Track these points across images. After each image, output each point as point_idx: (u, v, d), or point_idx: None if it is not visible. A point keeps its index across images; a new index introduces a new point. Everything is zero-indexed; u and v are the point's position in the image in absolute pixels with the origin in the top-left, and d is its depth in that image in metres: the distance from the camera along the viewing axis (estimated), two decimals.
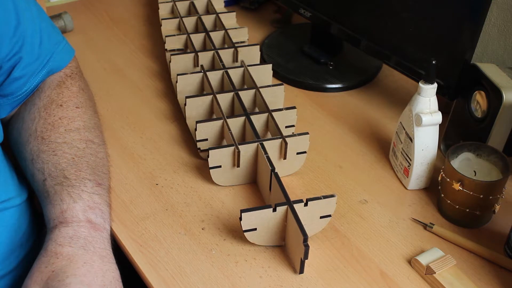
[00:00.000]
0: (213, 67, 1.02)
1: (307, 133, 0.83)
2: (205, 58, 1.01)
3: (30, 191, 0.80)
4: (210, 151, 0.80)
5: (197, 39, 1.06)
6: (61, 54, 0.81)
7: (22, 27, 0.74)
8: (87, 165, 0.73)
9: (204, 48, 1.07)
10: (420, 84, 0.79)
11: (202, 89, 0.97)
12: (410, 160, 0.83)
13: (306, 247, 0.68)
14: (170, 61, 1.01)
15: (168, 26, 1.13)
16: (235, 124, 0.86)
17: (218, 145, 0.84)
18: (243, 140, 0.87)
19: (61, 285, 0.59)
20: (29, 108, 0.77)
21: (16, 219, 0.75)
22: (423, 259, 0.72)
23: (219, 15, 1.12)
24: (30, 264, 0.68)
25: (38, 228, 0.81)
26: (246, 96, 0.92)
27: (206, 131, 0.86)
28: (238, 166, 0.82)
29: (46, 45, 0.78)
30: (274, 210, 0.72)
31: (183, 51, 1.07)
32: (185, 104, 0.90)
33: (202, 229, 0.78)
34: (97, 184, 0.72)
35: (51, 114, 0.76)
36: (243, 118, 0.87)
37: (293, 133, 0.88)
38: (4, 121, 0.80)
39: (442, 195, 0.79)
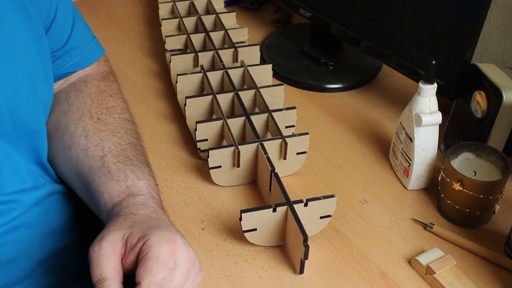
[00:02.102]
0: (213, 67, 1.02)
1: (307, 133, 0.83)
2: (205, 58, 1.01)
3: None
4: (210, 151, 0.80)
5: (197, 39, 1.06)
6: (90, 50, 0.83)
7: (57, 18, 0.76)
8: (142, 153, 0.76)
9: (204, 48, 1.07)
10: (420, 84, 0.79)
11: (202, 89, 0.97)
12: (410, 160, 0.83)
13: (306, 247, 0.68)
14: (170, 61, 1.01)
15: (168, 26, 1.13)
16: (235, 124, 0.86)
17: (218, 145, 0.84)
18: (243, 140, 0.87)
19: (151, 227, 0.59)
20: (75, 94, 0.80)
21: (56, 205, 0.76)
22: (423, 259, 0.72)
23: (219, 15, 1.12)
24: (70, 255, 0.74)
25: (79, 222, 0.83)
26: (246, 96, 0.92)
27: (206, 131, 0.86)
28: (238, 166, 0.82)
29: (76, 37, 0.80)
30: (274, 210, 0.72)
31: (183, 51, 1.07)
32: (185, 104, 0.90)
33: (202, 229, 0.78)
34: (151, 170, 0.75)
35: (104, 101, 0.80)
36: (243, 118, 0.87)
37: (293, 133, 0.88)
38: None
39: (442, 195, 0.79)
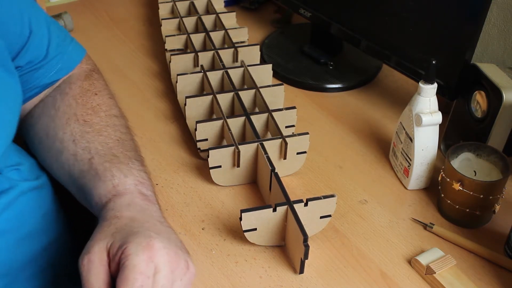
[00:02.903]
0: (213, 67, 1.02)
1: (307, 133, 0.83)
2: (205, 58, 1.01)
3: (50, 178, 0.80)
4: (210, 151, 0.80)
5: (197, 39, 1.06)
6: (70, 55, 0.82)
7: (33, 36, 0.75)
8: (131, 147, 0.76)
9: (204, 48, 1.07)
10: (420, 84, 0.79)
11: (202, 89, 0.97)
12: (410, 160, 0.83)
13: (306, 247, 0.68)
14: (170, 61, 1.01)
15: (168, 26, 1.13)
16: (235, 124, 0.86)
17: (218, 145, 0.84)
18: (243, 140, 0.87)
19: (131, 233, 0.59)
20: (61, 97, 0.79)
21: (31, 204, 0.75)
22: (423, 259, 0.72)
23: (219, 15, 1.12)
24: (55, 253, 0.73)
25: (60, 217, 0.82)
26: (246, 96, 0.92)
27: (206, 131, 0.86)
28: (238, 166, 0.82)
29: (54, 47, 0.79)
30: (274, 210, 0.72)
31: (183, 51, 1.07)
32: (185, 104, 0.90)
33: (202, 229, 0.78)
34: (142, 164, 0.74)
35: (89, 101, 0.79)
36: (243, 118, 0.87)
37: (293, 133, 0.88)
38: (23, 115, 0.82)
39: (442, 195, 0.79)
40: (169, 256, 0.58)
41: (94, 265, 0.57)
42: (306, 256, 0.69)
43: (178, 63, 1.01)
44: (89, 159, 0.72)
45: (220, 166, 0.82)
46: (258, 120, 0.87)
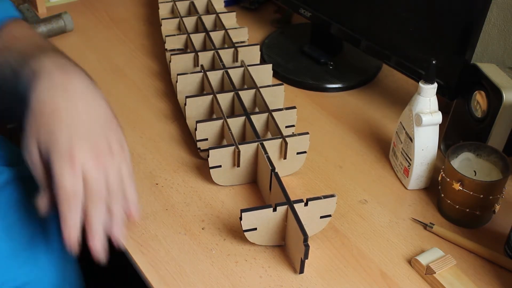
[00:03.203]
0: (213, 67, 1.02)
1: (307, 133, 0.83)
2: (205, 58, 1.01)
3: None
4: (210, 150, 0.80)
5: (197, 39, 1.06)
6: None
7: None
8: (52, 49, 0.74)
9: (204, 48, 1.07)
10: (420, 84, 0.79)
11: (202, 89, 0.97)
12: (410, 160, 0.83)
13: (306, 247, 0.68)
14: (170, 61, 1.01)
15: (168, 26, 1.13)
16: (235, 124, 0.86)
17: (218, 145, 0.84)
18: (243, 140, 0.87)
19: (53, 141, 0.62)
20: None
21: (16, 191, 0.75)
22: (423, 259, 0.72)
23: (219, 15, 1.12)
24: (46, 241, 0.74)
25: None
26: (246, 96, 0.92)
27: (206, 131, 0.86)
28: (238, 166, 0.82)
29: None
30: (274, 210, 0.72)
31: (183, 51, 1.07)
32: (185, 104, 0.90)
33: (202, 229, 0.78)
34: (58, 52, 0.73)
35: (8, 34, 0.78)
36: (243, 118, 0.87)
37: (293, 133, 0.88)
38: None
39: (442, 195, 0.79)
40: (92, 152, 0.62)
41: (36, 164, 0.63)
42: (306, 256, 0.69)
43: (178, 63, 1.01)
44: (12, 73, 0.71)
45: (220, 166, 0.82)
46: (258, 120, 0.87)
